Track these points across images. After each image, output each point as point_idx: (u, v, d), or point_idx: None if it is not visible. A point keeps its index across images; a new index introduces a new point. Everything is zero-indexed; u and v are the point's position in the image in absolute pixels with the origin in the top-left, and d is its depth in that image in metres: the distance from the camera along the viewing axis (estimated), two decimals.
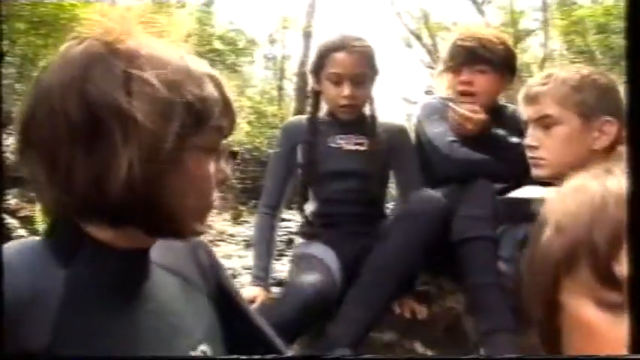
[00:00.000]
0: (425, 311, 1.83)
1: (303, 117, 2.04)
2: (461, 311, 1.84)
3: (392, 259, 1.64)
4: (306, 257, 1.79)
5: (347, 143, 1.93)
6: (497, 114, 2.06)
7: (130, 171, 0.70)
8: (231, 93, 0.83)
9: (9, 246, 0.76)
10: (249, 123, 9.97)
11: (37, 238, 0.79)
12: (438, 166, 1.89)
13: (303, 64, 10.45)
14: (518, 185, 1.79)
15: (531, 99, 1.50)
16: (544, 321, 0.65)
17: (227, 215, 6.43)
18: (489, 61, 1.94)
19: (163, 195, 0.75)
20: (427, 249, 1.67)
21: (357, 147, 1.93)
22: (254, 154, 8.69)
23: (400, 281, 1.68)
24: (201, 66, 0.80)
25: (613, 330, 0.56)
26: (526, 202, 1.55)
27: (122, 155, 0.70)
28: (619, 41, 8.54)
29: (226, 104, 0.81)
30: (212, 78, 0.80)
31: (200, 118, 0.76)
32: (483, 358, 1.46)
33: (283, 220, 2.40)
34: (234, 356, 1.00)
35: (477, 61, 1.95)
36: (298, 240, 2.01)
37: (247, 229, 3.31)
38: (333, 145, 1.93)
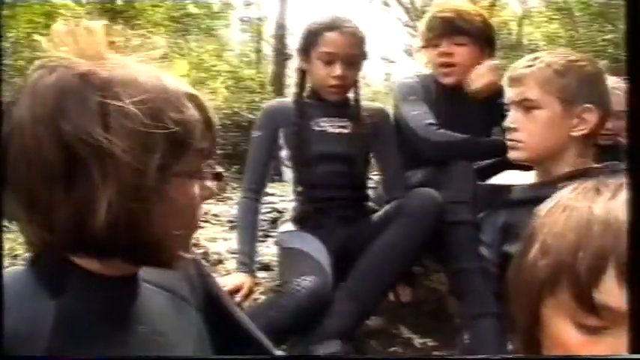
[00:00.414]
0: (409, 293, 1.86)
1: (284, 99, 2.02)
2: (445, 293, 1.86)
3: (390, 257, 1.65)
4: (295, 253, 1.78)
5: (331, 126, 1.93)
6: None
7: (110, 208, 0.68)
8: (212, 111, 0.81)
9: None
10: (227, 88, 9.89)
11: (21, 267, 0.78)
12: (416, 149, 1.89)
13: (280, 26, 10.31)
14: (500, 163, 1.78)
15: (515, 81, 1.50)
16: (526, 330, 0.67)
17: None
18: (468, 32, 1.94)
19: (147, 227, 0.73)
20: (425, 245, 1.69)
21: (341, 130, 1.93)
22: (233, 118, 8.59)
23: (396, 277, 1.70)
24: (179, 85, 0.77)
25: (590, 351, 0.59)
26: (505, 188, 1.56)
27: (101, 193, 0.68)
28: None
29: (208, 124, 0.79)
30: (191, 97, 0.77)
31: (182, 145, 0.74)
32: (484, 357, 1.47)
33: (266, 194, 2.39)
34: (234, 356, 1.03)
35: (456, 32, 1.94)
36: (284, 223, 2.00)
37: (232, 208, 3.29)
38: (317, 128, 1.92)
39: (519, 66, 1.50)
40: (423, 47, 2.04)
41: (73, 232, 0.70)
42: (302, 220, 1.92)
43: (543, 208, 0.69)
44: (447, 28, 1.95)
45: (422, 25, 2.05)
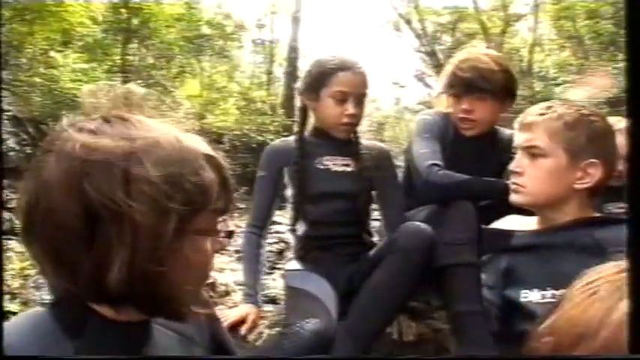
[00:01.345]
0: (412, 331, 1.87)
1: (287, 139, 2.05)
2: (448, 331, 1.86)
3: (382, 295, 1.66)
4: (301, 294, 1.80)
5: (334, 164, 1.95)
6: (493, 138, 2.10)
7: (125, 266, 0.72)
8: (228, 171, 0.84)
9: (21, 315, 0.82)
10: (239, 109, 9.96)
11: (43, 309, 0.82)
12: (417, 188, 1.91)
13: (292, 48, 10.41)
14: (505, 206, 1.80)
15: (525, 126, 1.52)
16: None
17: None
18: (489, 90, 1.97)
19: (160, 283, 0.76)
20: (419, 280, 1.70)
21: (344, 168, 1.95)
22: (243, 140, 8.65)
23: (391, 314, 1.71)
24: (197, 146, 0.80)
25: None
26: (508, 233, 1.58)
27: (118, 254, 0.72)
28: (608, 27, 8.55)
29: (224, 184, 0.82)
30: (209, 159, 0.80)
31: (198, 206, 0.77)
32: (483, 357, 1.50)
33: (274, 222, 2.41)
34: (233, 356, 1.08)
35: (477, 91, 1.97)
36: (291, 260, 2.02)
37: (240, 238, 3.32)
38: (321, 166, 1.94)
39: (532, 113, 1.52)
40: (444, 94, 2.08)
41: (92, 285, 0.74)
42: (307, 259, 1.94)
43: (581, 280, 0.71)
44: (467, 87, 1.98)
45: (443, 76, 2.08)
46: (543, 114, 1.50)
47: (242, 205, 6.29)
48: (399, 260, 1.67)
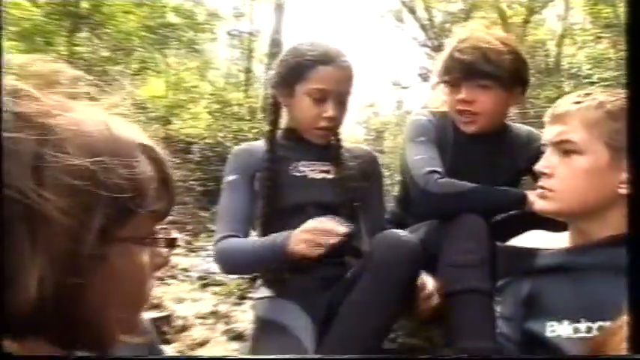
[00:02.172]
0: None
1: (255, 143, 2.02)
2: None
3: (358, 323, 1.61)
4: (271, 327, 1.77)
5: (312, 171, 1.93)
6: (504, 136, 2.05)
7: (40, 279, 0.66)
8: (170, 167, 0.82)
9: None
10: (211, 113, 9.99)
11: None
12: (413, 200, 1.88)
13: (275, 42, 10.45)
14: (526, 219, 1.77)
15: (556, 118, 1.48)
16: None
17: (183, 225, 6.40)
18: (494, 74, 1.91)
19: (81, 304, 0.71)
20: (402, 299, 1.65)
21: (324, 175, 1.93)
22: (216, 150, 8.67)
23: (369, 345, 1.66)
24: (132, 135, 0.78)
25: None
26: (531, 252, 1.52)
27: (31, 262, 0.66)
28: None
29: (164, 181, 0.80)
30: (146, 150, 0.78)
31: (130, 207, 0.74)
32: (483, 357, 1.48)
33: None
34: (233, 356, 1.00)
35: (479, 76, 1.92)
36: (260, 287, 1.97)
37: (205, 261, 3.27)
38: (296, 173, 1.92)
39: (565, 102, 1.48)
40: (441, 84, 2.04)
41: None
42: (279, 284, 1.89)
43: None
44: (467, 71, 1.93)
45: (439, 60, 2.04)
46: (579, 102, 1.45)
47: (214, 227, 6.34)
48: (376, 278, 1.63)
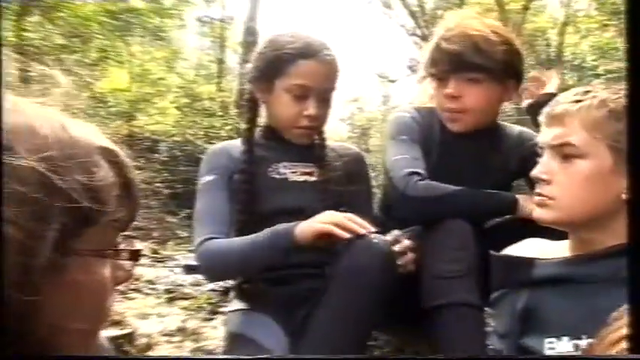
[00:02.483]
0: None
1: (232, 142, 2.03)
2: None
3: (327, 339, 1.63)
4: (243, 343, 1.76)
5: (293, 173, 1.94)
6: (495, 136, 2.06)
7: None
8: (133, 171, 0.82)
9: None
10: (180, 108, 9.95)
11: None
12: (393, 204, 1.90)
13: (249, 30, 10.42)
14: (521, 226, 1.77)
15: (555, 119, 1.48)
16: None
17: (148, 232, 6.36)
18: (484, 67, 1.92)
19: (36, 319, 0.71)
20: (376, 309, 1.65)
21: (306, 177, 1.94)
22: (186, 149, 8.65)
23: (346, 351, 1.66)
24: (90, 137, 0.78)
25: None
26: (527, 262, 1.53)
27: None
28: None
29: (126, 187, 0.80)
30: (107, 153, 0.78)
31: (89, 216, 0.74)
32: (483, 357, 1.51)
33: None
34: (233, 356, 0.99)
35: (468, 68, 1.93)
36: (233, 300, 1.96)
37: (172, 272, 3.26)
38: (276, 175, 1.93)
39: (564, 100, 1.49)
40: (427, 78, 2.05)
41: None
42: (253, 296, 1.89)
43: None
44: (455, 64, 1.94)
45: (426, 50, 2.05)
46: (579, 101, 1.46)
47: (183, 234, 6.31)
48: (347, 287, 1.63)
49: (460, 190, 1.80)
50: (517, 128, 2.10)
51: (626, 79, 0.77)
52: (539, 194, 1.49)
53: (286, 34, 1.92)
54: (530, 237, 1.64)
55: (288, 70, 1.86)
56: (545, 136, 1.49)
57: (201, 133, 8.97)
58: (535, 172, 1.50)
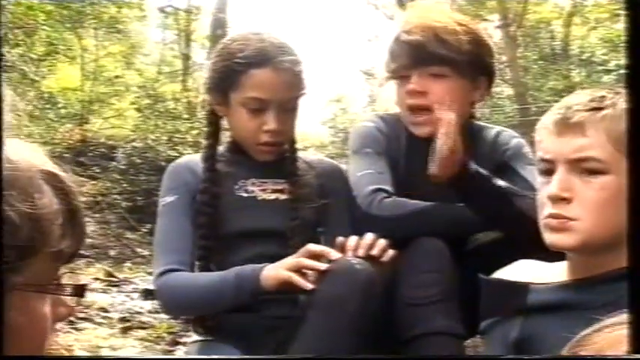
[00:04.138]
0: None
1: (197, 156, 2.02)
2: None
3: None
4: None
5: (263, 191, 1.94)
6: (468, 139, 2.06)
7: None
8: (78, 196, 0.83)
9: None
10: (140, 110, 9.93)
11: None
12: (358, 223, 1.89)
13: (218, 22, 10.45)
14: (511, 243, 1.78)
15: (571, 128, 1.46)
16: None
17: (105, 250, 6.34)
18: (449, 60, 1.93)
19: None
20: (357, 337, 1.65)
21: (277, 195, 1.94)
22: (146, 155, 8.62)
23: None
24: (32, 158, 0.79)
25: None
26: (521, 288, 1.55)
27: None
28: None
29: (71, 215, 0.80)
30: (49, 177, 0.79)
31: (29, 247, 0.74)
32: (483, 357, 1.57)
33: None
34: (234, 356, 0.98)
35: (431, 61, 1.94)
36: (196, 330, 1.97)
37: (129, 298, 3.25)
38: (243, 193, 1.93)
39: (576, 106, 1.47)
40: (389, 78, 2.06)
41: None
42: (215, 326, 1.89)
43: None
44: (417, 57, 1.95)
45: (386, 48, 2.05)
46: (598, 108, 1.44)
47: (144, 252, 6.28)
48: (327, 314, 1.65)
49: (431, 207, 1.81)
50: (494, 130, 2.09)
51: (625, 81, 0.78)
52: (558, 216, 1.47)
53: (237, 38, 1.92)
54: (519, 258, 1.65)
55: (241, 81, 1.84)
56: (559, 147, 1.46)
57: (165, 138, 8.95)
58: (553, 191, 1.47)
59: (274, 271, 1.69)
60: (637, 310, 0.68)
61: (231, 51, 1.86)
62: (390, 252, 1.69)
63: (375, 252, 1.68)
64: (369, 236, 1.71)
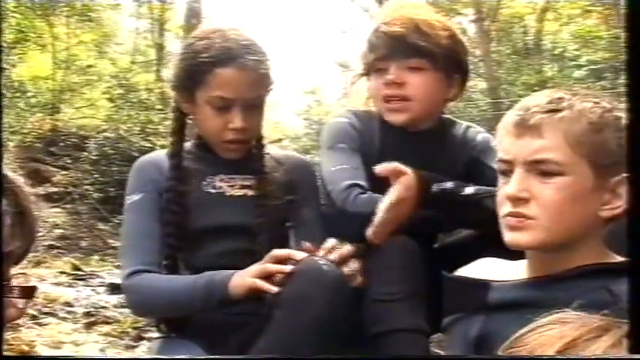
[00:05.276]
0: None
1: (162, 152, 2.01)
2: None
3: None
4: None
5: (231, 187, 1.95)
6: (441, 134, 2.08)
7: None
8: (29, 198, 0.84)
9: None
10: (112, 100, 9.88)
11: None
12: (332, 221, 1.91)
13: (192, 11, 10.41)
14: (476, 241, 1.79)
15: (529, 129, 1.47)
16: None
17: (76, 241, 6.30)
18: (428, 53, 1.95)
19: None
20: (323, 340, 1.66)
21: (245, 191, 1.95)
22: (119, 146, 8.58)
23: None
24: None
25: None
26: (483, 286, 1.56)
27: None
28: None
29: (21, 216, 0.81)
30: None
31: None
32: (483, 357, 1.51)
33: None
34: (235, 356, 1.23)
35: (410, 53, 1.95)
36: (160, 325, 1.97)
37: (95, 292, 3.23)
38: (211, 189, 1.93)
39: (534, 108, 1.47)
40: (365, 74, 2.06)
41: None
42: (183, 322, 1.89)
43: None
44: (397, 48, 1.96)
45: (363, 42, 2.06)
46: (556, 110, 1.46)
47: (116, 243, 6.24)
48: (291, 315, 1.65)
49: None
50: (462, 125, 2.11)
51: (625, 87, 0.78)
52: (516, 214, 1.48)
53: (202, 34, 1.92)
54: (484, 256, 1.66)
55: (206, 80, 1.85)
56: (517, 148, 1.48)
57: (137, 128, 8.91)
58: (511, 191, 1.49)
59: (241, 280, 1.70)
60: (637, 310, 0.70)
61: (196, 50, 1.86)
62: (354, 265, 1.71)
63: (334, 257, 1.69)
64: (331, 241, 1.72)
